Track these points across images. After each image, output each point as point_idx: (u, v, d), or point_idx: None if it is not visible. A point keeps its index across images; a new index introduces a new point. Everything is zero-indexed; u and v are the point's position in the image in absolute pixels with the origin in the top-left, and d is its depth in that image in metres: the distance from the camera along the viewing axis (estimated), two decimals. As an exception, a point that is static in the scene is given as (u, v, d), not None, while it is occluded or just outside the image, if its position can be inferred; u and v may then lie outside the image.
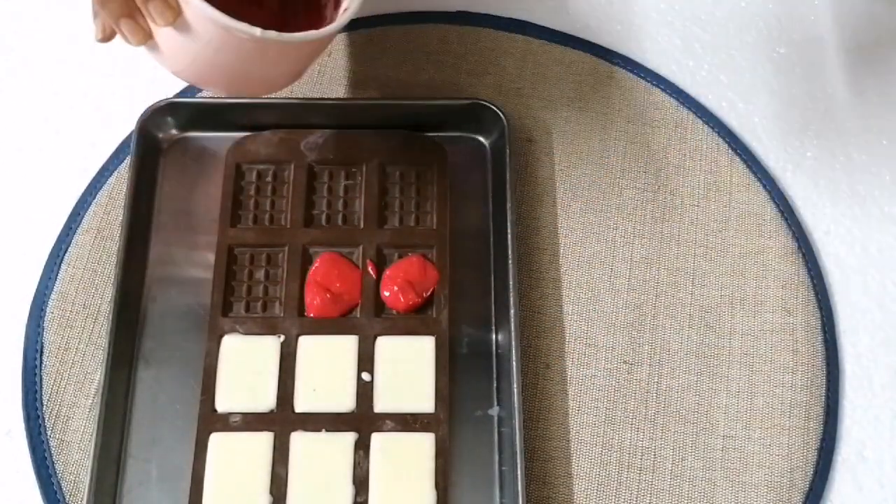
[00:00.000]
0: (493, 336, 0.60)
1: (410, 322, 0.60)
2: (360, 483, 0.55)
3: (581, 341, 0.61)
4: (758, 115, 0.69)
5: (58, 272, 0.62)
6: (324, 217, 0.63)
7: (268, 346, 0.59)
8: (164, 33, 0.50)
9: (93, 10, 0.51)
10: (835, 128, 0.69)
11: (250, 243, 0.62)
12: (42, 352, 0.60)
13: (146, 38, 0.50)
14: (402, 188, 0.64)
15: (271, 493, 0.55)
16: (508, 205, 0.61)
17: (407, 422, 0.57)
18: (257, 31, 0.48)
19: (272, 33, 0.49)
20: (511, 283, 0.59)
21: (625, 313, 0.62)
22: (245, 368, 0.58)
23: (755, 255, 0.64)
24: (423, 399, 0.57)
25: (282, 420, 0.57)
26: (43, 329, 0.60)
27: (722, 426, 0.59)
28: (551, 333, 0.61)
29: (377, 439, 0.56)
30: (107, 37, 0.52)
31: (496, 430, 0.57)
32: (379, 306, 0.60)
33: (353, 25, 0.70)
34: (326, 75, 0.68)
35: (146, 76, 0.68)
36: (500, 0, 0.72)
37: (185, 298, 0.61)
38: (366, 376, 0.58)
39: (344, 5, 0.54)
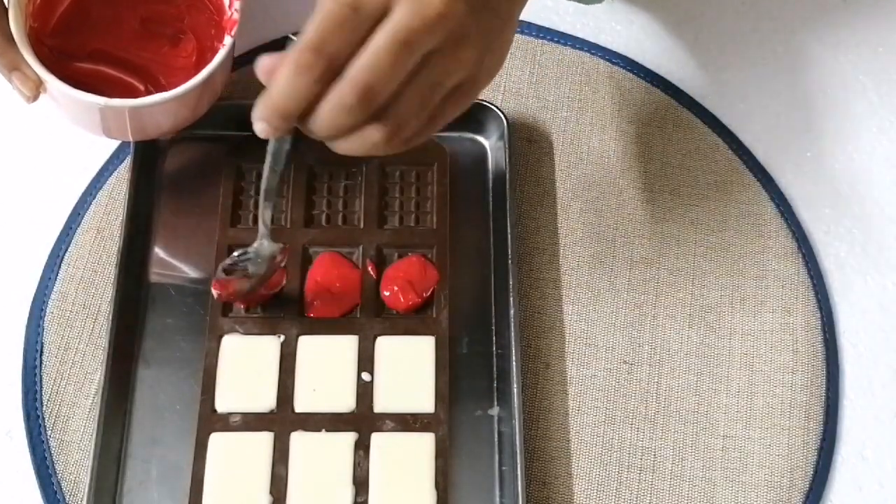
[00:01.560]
0: (493, 336, 0.60)
1: (410, 322, 0.60)
2: (360, 483, 0.55)
3: (581, 341, 0.61)
4: (758, 115, 0.69)
5: (58, 272, 0.62)
6: (324, 217, 0.63)
7: (268, 346, 0.59)
8: (49, 97, 0.56)
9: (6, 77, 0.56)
10: (835, 128, 0.69)
11: (250, 243, 0.62)
12: (42, 352, 0.60)
13: (32, 100, 0.56)
14: (402, 188, 0.64)
15: (271, 493, 0.55)
16: (508, 205, 0.61)
17: (407, 422, 0.57)
18: (101, 100, 0.54)
19: (114, 102, 0.54)
20: (511, 283, 0.59)
21: (625, 313, 0.62)
22: (245, 368, 0.58)
23: (755, 255, 0.64)
24: (423, 399, 0.57)
25: (282, 420, 0.57)
26: (43, 329, 0.60)
27: (722, 426, 0.59)
28: (551, 333, 0.61)
29: (377, 439, 0.56)
30: (33, 98, 0.57)
31: (496, 430, 0.57)
32: (379, 306, 0.60)
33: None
34: (326, 75, 0.68)
35: (146, 76, 0.68)
36: (500, 0, 0.72)
37: (185, 298, 0.61)
38: (366, 376, 0.58)
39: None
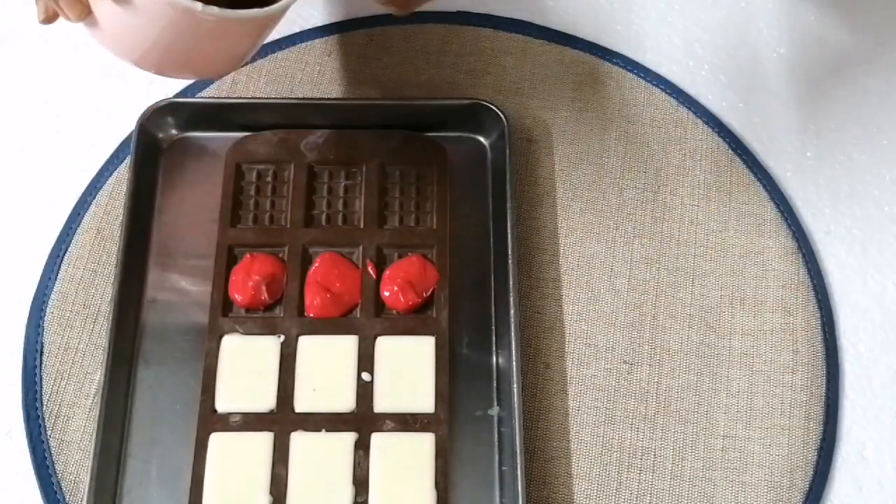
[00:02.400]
0: (493, 336, 0.60)
1: (410, 322, 0.60)
2: (360, 483, 0.55)
3: (581, 341, 0.61)
4: (758, 115, 0.69)
5: (58, 272, 0.62)
6: (324, 217, 0.63)
7: (268, 346, 0.59)
8: (102, 10, 0.48)
9: None
10: (835, 128, 0.69)
11: (250, 243, 0.62)
12: (42, 352, 0.60)
13: (84, 12, 0.48)
14: (402, 188, 0.64)
15: (271, 493, 0.55)
16: (508, 205, 0.61)
17: (407, 422, 0.57)
18: (198, 5, 0.46)
19: (213, 9, 0.46)
20: (511, 283, 0.59)
21: (625, 313, 0.62)
22: (245, 368, 0.58)
23: (755, 255, 0.64)
24: (423, 399, 0.57)
25: (282, 420, 0.57)
26: (43, 329, 0.60)
27: (722, 426, 0.59)
28: (551, 333, 0.61)
29: (377, 439, 0.56)
30: (49, 17, 0.50)
31: (496, 430, 0.57)
32: (379, 306, 0.60)
33: (353, 25, 0.71)
34: (326, 75, 0.68)
35: (146, 76, 0.68)
36: (500, 0, 0.72)
37: (185, 298, 0.61)
38: (366, 376, 0.58)
39: None
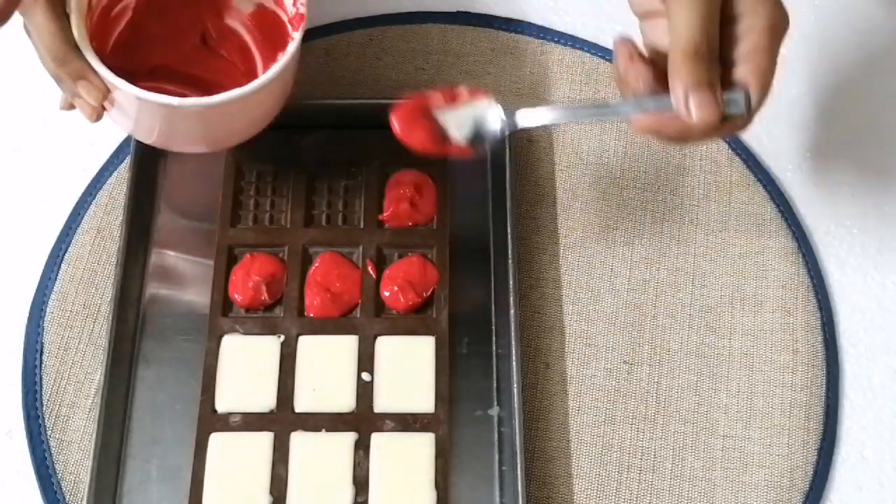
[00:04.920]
0: (493, 336, 0.60)
1: (410, 322, 0.60)
2: (360, 483, 0.55)
3: (581, 341, 0.61)
4: (758, 115, 0.69)
5: (58, 272, 0.62)
6: (324, 217, 0.63)
7: (268, 346, 0.59)
8: (111, 109, 0.53)
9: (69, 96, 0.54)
10: (835, 128, 0.69)
11: (250, 243, 0.62)
12: (42, 352, 0.60)
13: (97, 114, 0.53)
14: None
15: (271, 493, 0.55)
16: (508, 205, 0.61)
17: (407, 422, 0.57)
18: (174, 101, 0.51)
19: (189, 101, 0.51)
20: (511, 283, 0.59)
21: (625, 313, 0.62)
22: (245, 368, 0.58)
23: (755, 255, 0.64)
24: (423, 399, 0.57)
25: (282, 420, 0.57)
26: (43, 329, 0.60)
27: (722, 426, 0.59)
28: (551, 333, 0.61)
29: (377, 439, 0.56)
30: (68, 107, 0.55)
31: (496, 430, 0.57)
32: (379, 306, 0.60)
33: (352, 25, 0.71)
34: (326, 75, 0.68)
35: (146, 76, 0.68)
36: (499, 0, 0.72)
37: (185, 298, 0.61)
38: (366, 376, 0.58)
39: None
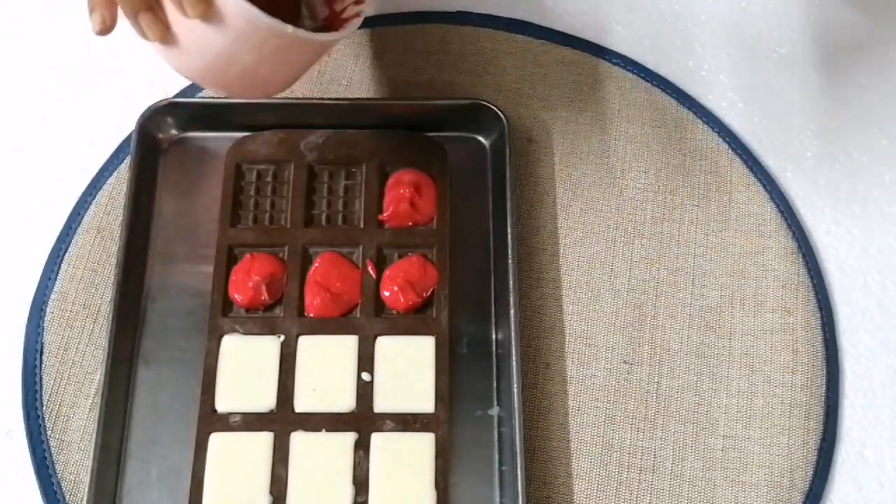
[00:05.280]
0: (493, 336, 0.60)
1: (410, 322, 0.60)
2: (360, 483, 0.55)
3: (581, 341, 0.61)
4: (758, 115, 0.69)
5: (58, 272, 0.62)
6: (324, 217, 0.63)
7: (268, 346, 0.59)
8: (184, 28, 0.49)
9: (89, 5, 0.50)
10: (835, 128, 0.69)
11: (250, 243, 0.62)
12: (42, 352, 0.60)
13: (164, 32, 0.49)
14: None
15: (271, 493, 0.55)
16: (508, 205, 0.61)
17: (407, 422, 0.57)
18: (289, 28, 0.48)
19: (302, 31, 0.48)
20: (511, 283, 0.59)
21: (625, 313, 0.62)
22: (245, 368, 0.58)
23: (755, 255, 0.64)
24: (423, 399, 0.57)
25: (282, 420, 0.57)
26: (43, 329, 0.60)
27: (722, 426, 0.59)
28: (551, 333, 0.61)
29: (377, 439, 0.56)
30: (106, 28, 0.50)
31: (496, 430, 0.57)
32: (379, 306, 0.60)
33: (353, 25, 0.71)
34: (326, 75, 0.68)
35: (146, 76, 0.68)
36: (500, 0, 0.72)
37: (185, 298, 0.61)
38: (366, 376, 0.58)
39: (349, 9, 0.53)
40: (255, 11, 0.47)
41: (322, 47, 0.52)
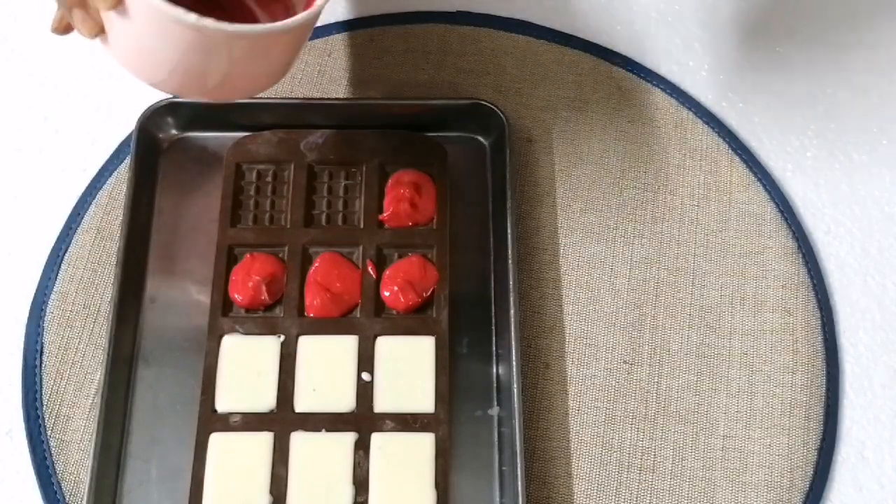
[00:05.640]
0: (493, 336, 0.60)
1: (410, 322, 0.60)
2: (360, 483, 0.55)
3: (581, 341, 0.61)
4: (758, 115, 0.69)
5: (58, 272, 0.62)
6: (324, 217, 0.63)
7: (268, 346, 0.59)
8: (114, 25, 0.47)
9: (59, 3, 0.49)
10: (835, 128, 0.69)
11: (250, 243, 0.62)
12: (42, 352, 0.60)
13: (96, 29, 0.47)
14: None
15: (271, 493, 0.55)
16: (508, 205, 0.61)
17: (407, 422, 0.57)
18: (192, 16, 0.44)
19: (209, 21, 0.45)
20: (511, 283, 0.59)
21: (625, 313, 0.62)
22: (245, 368, 0.58)
23: (755, 255, 0.64)
24: (423, 399, 0.57)
25: (282, 420, 0.57)
26: (43, 329, 0.60)
27: (722, 426, 0.59)
28: (551, 333, 0.61)
29: (377, 439, 0.56)
30: (62, 28, 0.49)
31: (496, 430, 0.57)
32: (379, 306, 0.60)
33: (352, 25, 0.71)
34: (326, 75, 0.68)
35: (146, 76, 0.68)
36: (500, 0, 0.72)
37: (185, 298, 0.61)
38: (366, 376, 0.58)
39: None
40: (157, 3, 0.44)
41: (266, 41, 0.48)
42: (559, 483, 0.57)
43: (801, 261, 0.64)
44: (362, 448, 0.56)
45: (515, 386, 0.56)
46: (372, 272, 0.61)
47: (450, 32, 0.70)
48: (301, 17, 0.47)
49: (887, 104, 0.70)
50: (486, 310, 0.61)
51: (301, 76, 0.68)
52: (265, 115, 0.65)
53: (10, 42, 0.71)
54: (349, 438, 0.56)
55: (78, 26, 0.48)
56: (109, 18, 0.47)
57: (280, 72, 0.52)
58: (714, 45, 0.71)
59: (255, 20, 0.56)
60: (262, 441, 0.56)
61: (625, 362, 0.60)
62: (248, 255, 0.61)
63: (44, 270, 0.62)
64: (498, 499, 0.56)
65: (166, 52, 0.47)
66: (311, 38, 0.69)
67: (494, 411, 0.58)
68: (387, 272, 0.61)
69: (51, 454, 0.57)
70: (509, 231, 0.60)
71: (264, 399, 0.57)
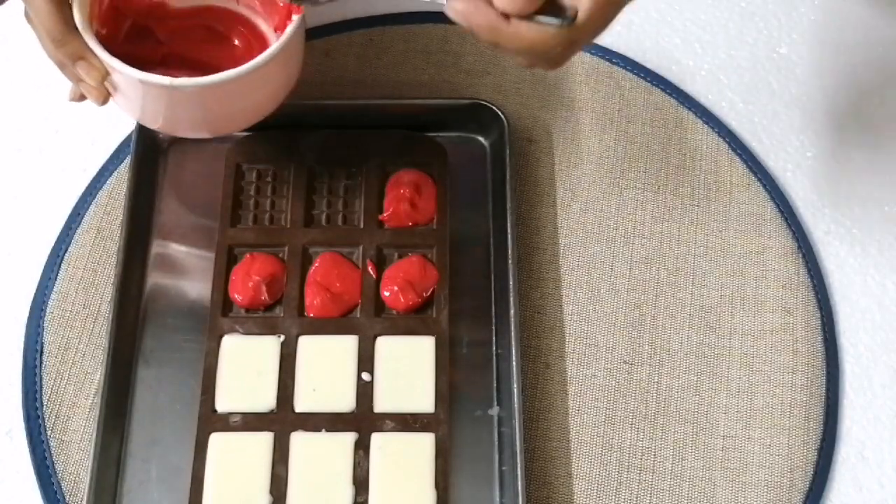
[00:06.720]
0: (493, 336, 0.60)
1: (410, 322, 0.60)
2: (360, 483, 0.55)
3: (581, 341, 0.61)
4: (758, 115, 0.69)
5: (58, 272, 0.62)
6: (324, 217, 0.63)
7: (268, 346, 0.59)
8: (113, 92, 0.54)
9: (70, 76, 0.54)
10: (835, 128, 0.69)
11: (250, 243, 0.62)
12: (42, 352, 0.60)
13: (102, 97, 0.54)
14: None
15: (271, 493, 0.55)
16: (508, 205, 0.61)
17: (407, 422, 0.57)
18: (168, 80, 0.51)
19: (184, 80, 0.52)
20: (511, 283, 0.59)
21: (625, 313, 0.62)
22: (245, 368, 0.58)
23: (755, 255, 0.64)
24: (423, 399, 0.57)
25: (282, 420, 0.57)
26: (43, 329, 0.60)
27: (722, 426, 0.59)
28: (551, 333, 0.61)
29: (377, 439, 0.56)
30: (77, 98, 0.56)
31: (496, 430, 0.57)
32: (379, 306, 0.60)
33: (352, 25, 0.71)
34: (327, 75, 0.68)
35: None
36: (500, 0, 0.72)
37: (185, 298, 0.61)
38: (366, 376, 0.58)
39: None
40: (131, 72, 0.52)
41: (249, 83, 0.53)
42: (559, 483, 0.57)
43: (801, 261, 0.64)
44: (362, 448, 0.56)
45: (515, 386, 0.56)
46: (372, 272, 0.61)
47: (450, 32, 0.70)
48: (262, 57, 0.52)
49: (887, 104, 0.70)
50: (486, 310, 0.61)
51: (301, 76, 0.68)
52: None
53: (10, 42, 0.71)
54: (349, 438, 0.56)
55: (88, 97, 0.55)
56: (110, 86, 0.54)
57: (272, 100, 0.57)
58: (714, 45, 0.71)
59: (254, 35, 0.60)
60: (262, 441, 0.56)
61: (625, 362, 0.60)
62: (248, 255, 0.61)
63: (44, 270, 0.62)
64: (498, 499, 0.56)
65: (157, 107, 0.55)
66: (311, 39, 0.69)
67: (494, 411, 0.58)
68: (387, 272, 0.61)
69: (51, 454, 0.57)
70: (509, 231, 0.60)
71: (264, 399, 0.57)
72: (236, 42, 0.61)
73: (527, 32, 0.47)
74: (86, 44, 0.52)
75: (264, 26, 0.60)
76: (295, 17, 0.54)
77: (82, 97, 0.55)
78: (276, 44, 0.53)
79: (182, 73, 0.56)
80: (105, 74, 0.53)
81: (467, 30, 0.48)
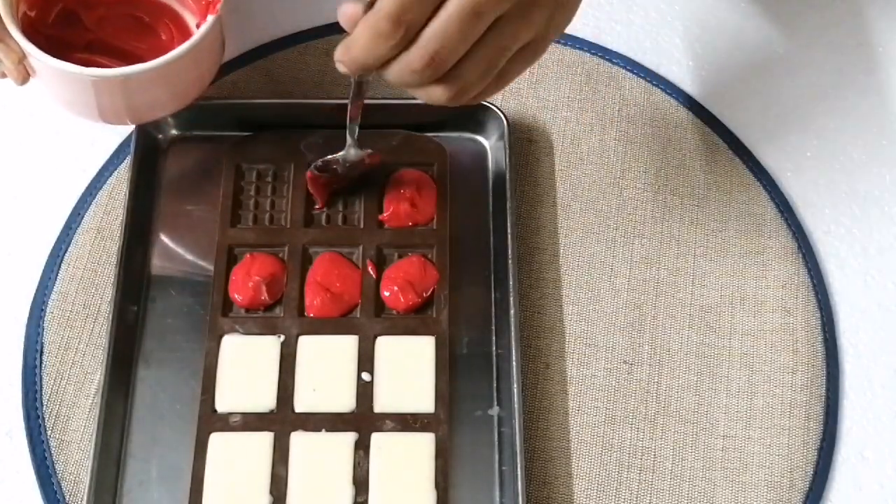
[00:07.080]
0: (493, 336, 0.60)
1: (410, 322, 0.60)
2: (360, 483, 0.55)
3: (581, 341, 0.61)
4: (758, 116, 0.69)
5: (58, 272, 0.62)
6: (324, 217, 0.63)
7: (268, 346, 0.59)
8: (33, 76, 0.56)
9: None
10: (835, 128, 0.69)
11: (250, 243, 0.62)
12: (42, 352, 0.60)
13: (21, 77, 0.56)
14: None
15: (271, 493, 0.55)
16: (508, 205, 0.61)
17: (407, 422, 0.57)
18: (89, 71, 0.53)
19: (105, 71, 0.54)
20: (511, 283, 0.59)
21: (625, 313, 0.62)
22: (245, 368, 0.58)
23: (755, 255, 0.64)
24: (423, 399, 0.57)
25: (282, 420, 0.57)
26: (43, 329, 0.60)
27: (722, 426, 0.59)
28: (551, 333, 0.61)
29: (377, 439, 0.56)
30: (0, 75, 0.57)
31: (496, 430, 0.57)
32: (379, 306, 0.60)
33: (353, 25, 0.70)
34: (327, 75, 0.68)
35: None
36: (500, 0, 0.72)
37: (185, 298, 0.61)
38: (366, 376, 0.58)
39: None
40: (50, 62, 0.53)
41: (165, 71, 0.55)
42: (559, 483, 0.57)
43: (801, 261, 0.64)
44: (362, 448, 0.56)
45: (515, 386, 0.56)
46: (372, 272, 0.61)
47: (450, 32, 0.70)
48: (180, 49, 0.54)
49: (887, 104, 0.70)
50: (486, 310, 0.61)
51: (301, 76, 0.68)
52: (265, 115, 0.65)
53: (10, 42, 0.71)
54: (349, 438, 0.56)
55: (9, 76, 0.56)
56: (29, 68, 0.56)
57: (190, 90, 0.59)
58: (714, 46, 0.71)
59: (178, 28, 0.62)
60: (262, 441, 0.56)
61: (625, 362, 0.60)
62: (248, 255, 0.61)
63: (44, 270, 0.62)
64: (498, 499, 0.56)
65: (71, 94, 0.57)
66: (311, 39, 0.69)
67: (494, 411, 0.58)
68: (387, 272, 0.61)
69: (51, 454, 0.57)
70: (509, 231, 0.60)
71: (264, 399, 0.57)
72: (161, 34, 0.61)
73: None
74: (4, 27, 0.54)
75: (190, 19, 0.61)
76: (210, 17, 0.56)
77: (3, 75, 0.57)
78: (186, 43, 0.55)
79: (106, 61, 0.59)
80: (22, 57, 0.55)
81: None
